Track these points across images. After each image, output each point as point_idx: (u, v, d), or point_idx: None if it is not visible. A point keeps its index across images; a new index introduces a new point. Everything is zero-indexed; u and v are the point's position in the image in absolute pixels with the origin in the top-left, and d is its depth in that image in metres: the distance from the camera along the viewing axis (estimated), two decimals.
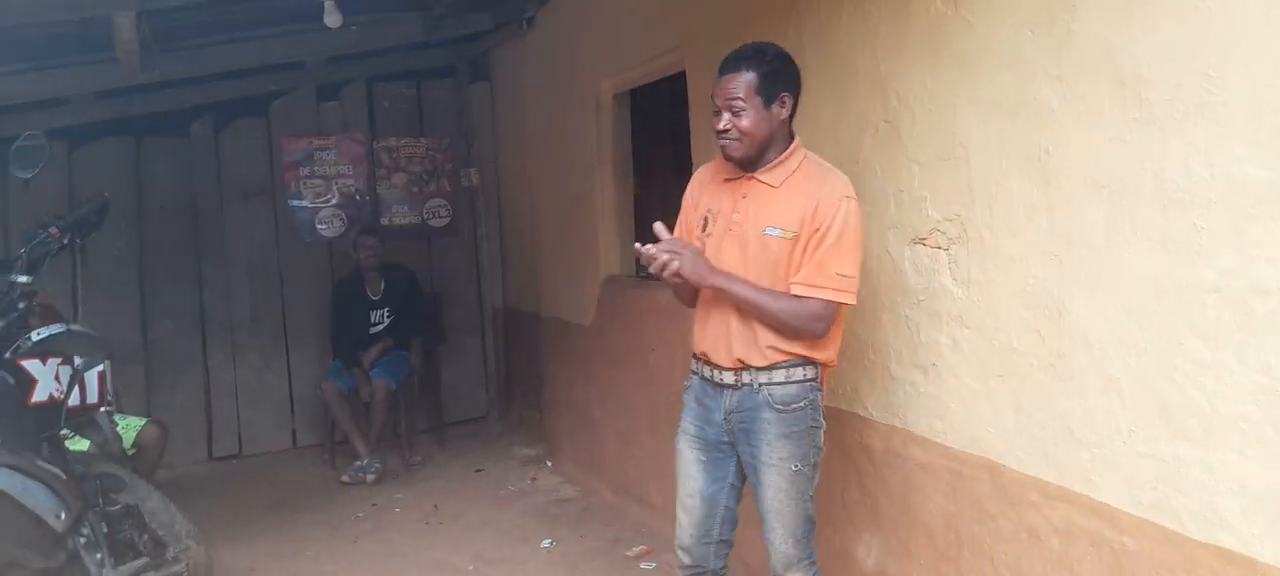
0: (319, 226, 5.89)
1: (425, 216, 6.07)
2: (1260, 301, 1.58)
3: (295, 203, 5.85)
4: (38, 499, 2.62)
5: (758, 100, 2.21)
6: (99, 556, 2.81)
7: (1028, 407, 2.09)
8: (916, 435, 2.46)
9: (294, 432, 5.95)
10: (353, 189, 5.92)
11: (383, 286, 5.46)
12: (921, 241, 2.37)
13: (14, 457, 2.63)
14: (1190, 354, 1.70)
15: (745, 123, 2.21)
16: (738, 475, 2.38)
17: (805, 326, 2.20)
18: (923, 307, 2.39)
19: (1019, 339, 2.10)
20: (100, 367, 3.23)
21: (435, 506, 4.64)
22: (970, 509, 2.28)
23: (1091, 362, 1.92)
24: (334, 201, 5.88)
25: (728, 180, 2.35)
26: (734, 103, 2.21)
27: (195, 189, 5.72)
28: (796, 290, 2.18)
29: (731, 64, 2.24)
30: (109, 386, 3.28)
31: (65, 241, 3.17)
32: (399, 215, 6.02)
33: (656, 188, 4.87)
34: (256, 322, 5.84)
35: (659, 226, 2.29)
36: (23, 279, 3.02)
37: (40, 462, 2.69)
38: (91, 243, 3.64)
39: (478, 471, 5.21)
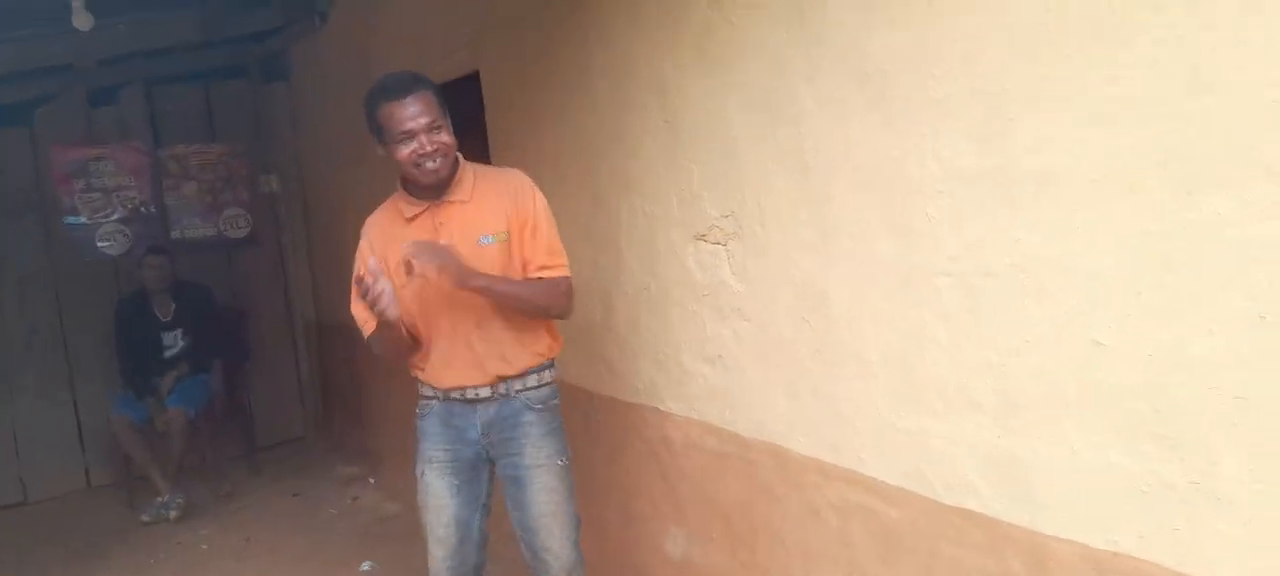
0: (100, 244, 5.39)
1: (222, 227, 5.67)
2: (985, 282, 1.70)
3: (71, 219, 5.33)
4: None
5: (444, 116, 2.20)
6: None
7: (802, 392, 2.19)
8: (711, 425, 2.53)
9: (87, 471, 5.48)
10: (137, 202, 5.45)
11: (174, 306, 5.07)
12: (702, 238, 2.43)
13: None
14: (929, 333, 1.82)
15: (447, 137, 2.20)
16: (489, 494, 2.38)
17: (559, 304, 2.29)
18: (707, 302, 2.45)
19: (790, 327, 2.18)
20: None
21: (247, 539, 4.38)
22: (761, 493, 2.37)
23: (851, 346, 2.02)
24: (116, 216, 5.41)
25: (411, 219, 2.28)
26: (432, 122, 2.17)
27: None
28: (541, 274, 2.26)
29: (406, 86, 2.17)
30: None
31: None
32: (191, 228, 5.59)
33: None
34: (31, 351, 5.32)
35: (372, 261, 2.13)
36: None
37: None
38: None
39: (294, 496, 4.95)
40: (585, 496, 2.51)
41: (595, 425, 3.01)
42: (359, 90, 4.70)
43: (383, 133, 2.19)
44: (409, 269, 2.22)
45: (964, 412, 1.78)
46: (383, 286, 2.09)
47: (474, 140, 3.69)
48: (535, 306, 2.27)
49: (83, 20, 3.11)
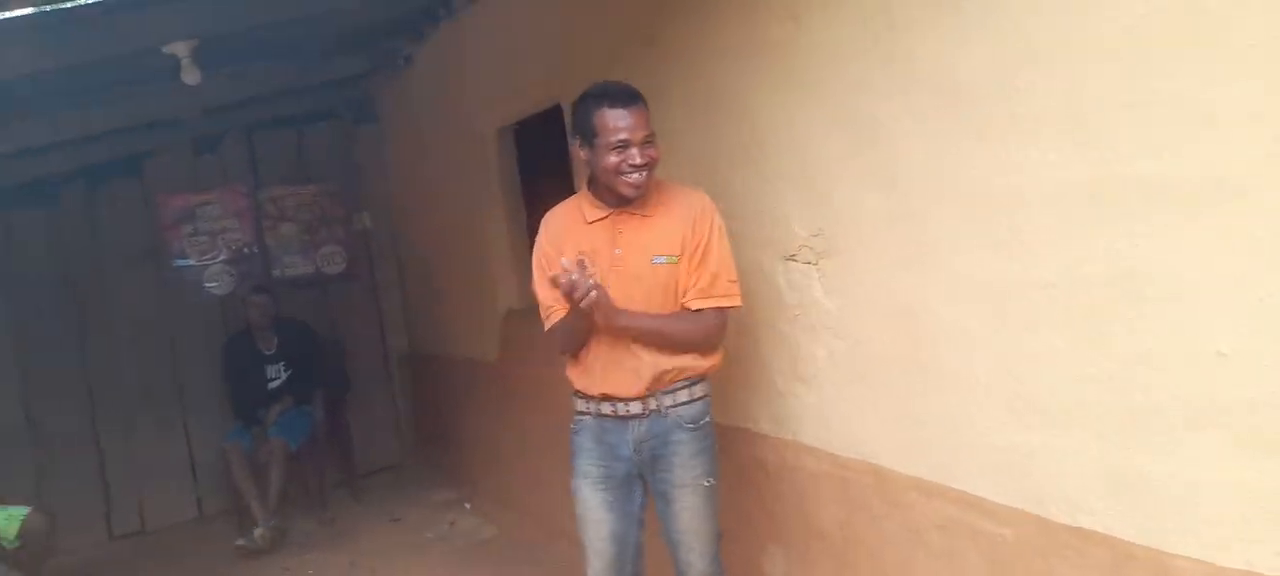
0: (208, 284, 5.69)
1: (319, 264, 5.92)
2: (1095, 294, 1.66)
3: (181, 262, 5.64)
4: None
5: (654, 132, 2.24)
6: None
7: (899, 410, 2.16)
8: (806, 445, 2.52)
9: (199, 501, 5.73)
10: (240, 243, 5.74)
11: (276, 341, 5.30)
12: (792, 258, 2.43)
13: None
14: (1037, 348, 1.79)
15: (657, 153, 2.24)
16: (642, 508, 2.39)
17: (707, 338, 2.29)
18: (799, 322, 2.45)
19: (886, 345, 2.17)
20: None
21: (351, 563, 4.52)
22: (860, 513, 2.35)
23: (952, 363, 2.00)
24: (222, 258, 5.69)
25: (593, 221, 2.32)
26: (648, 136, 2.21)
27: (70, 258, 5.47)
28: (693, 305, 2.25)
29: (631, 97, 2.23)
30: None
31: None
32: (291, 266, 5.85)
33: None
34: (149, 391, 5.61)
35: (566, 260, 2.19)
36: None
37: None
38: None
39: (395, 520, 5.09)
40: None
41: None
42: (440, 130, 4.91)
43: (594, 135, 2.22)
44: (582, 267, 2.23)
45: (1078, 428, 1.73)
46: (588, 282, 2.11)
47: (556, 173, 3.78)
48: (682, 342, 2.26)
49: (191, 76, 3.29)
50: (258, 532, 4.80)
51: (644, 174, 2.22)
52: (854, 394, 2.31)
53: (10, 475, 4.79)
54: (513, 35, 3.96)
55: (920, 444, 2.12)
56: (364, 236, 6.06)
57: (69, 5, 3.40)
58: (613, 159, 2.20)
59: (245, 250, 5.74)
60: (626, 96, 2.23)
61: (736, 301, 2.30)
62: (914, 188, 2.03)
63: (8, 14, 2.96)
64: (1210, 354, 1.49)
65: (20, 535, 3.79)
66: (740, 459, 2.73)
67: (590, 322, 2.24)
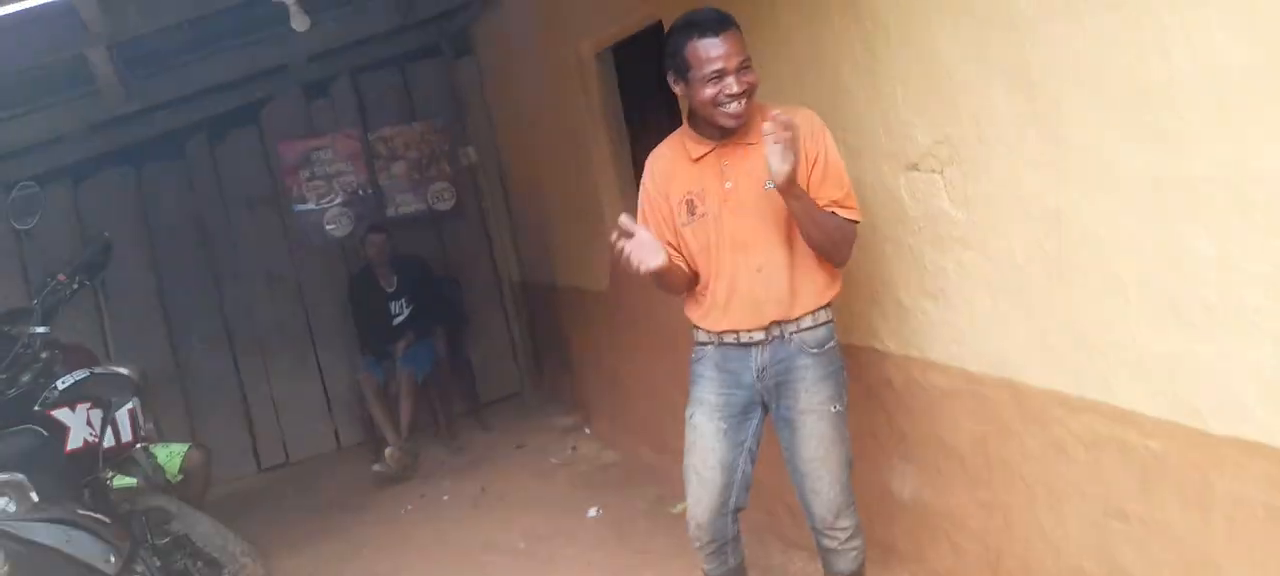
0: (328, 226, 5.90)
1: (430, 201, 6.06)
2: (1257, 188, 1.52)
3: (300, 207, 5.86)
4: (85, 547, 2.68)
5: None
6: None
7: (1039, 321, 2.05)
8: (935, 362, 2.44)
9: (336, 432, 6.05)
10: (355, 185, 5.92)
11: (396, 278, 5.49)
12: (914, 167, 2.32)
13: (57, 509, 2.69)
14: (1193, 247, 1.65)
15: (755, 77, 2.15)
16: (757, 439, 2.35)
17: (845, 245, 2.22)
18: (924, 234, 2.34)
19: (1022, 253, 2.05)
20: (130, 405, 3.28)
21: (482, 488, 4.70)
22: (996, 429, 2.26)
23: (1096, 267, 1.87)
24: (339, 200, 5.89)
25: (697, 160, 2.25)
26: (743, 61, 2.12)
27: (200, 207, 5.77)
28: (834, 210, 2.17)
29: (721, 22, 2.12)
30: (140, 422, 3.34)
31: (75, 286, 3.19)
32: (404, 204, 6.01)
33: (654, 142, 4.79)
34: (282, 330, 5.91)
35: (624, 219, 2.16)
36: (40, 329, 3.06)
37: (82, 510, 2.75)
38: (109, 277, 3.68)
39: (519, 447, 5.26)
40: None
41: None
42: (538, 58, 4.87)
43: (688, 69, 2.14)
44: (691, 208, 2.22)
45: (1239, 333, 1.60)
46: (629, 245, 2.11)
47: (661, 94, 3.70)
48: (831, 240, 2.17)
49: (300, 21, 3.36)
50: (388, 453, 5.04)
51: (742, 103, 2.13)
52: (987, 306, 2.20)
53: (164, 414, 5.14)
54: None
55: (1062, 355, 2.01)
56: (471, 170, 6.14)
57: None
58: (709, 91, 2.12)
59: (360, 192, 5.92)
60: (717, 23, 2.12)
61: (859, 216, 2.22)
62: (1050, 82, 1.88)
63: None
64: None
65: (182, 469, 4.07)
66: (866, 378, 2.67)
67: (669, 277, 2.21)
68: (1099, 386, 1.94)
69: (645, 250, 2.14)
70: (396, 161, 5.97)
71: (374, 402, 5.24)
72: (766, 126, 2.00)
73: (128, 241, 5.20)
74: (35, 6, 3.37)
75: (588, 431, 5.22)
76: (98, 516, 2.78)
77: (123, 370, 3.39)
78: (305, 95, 5.87)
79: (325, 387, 6.01)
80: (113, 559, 2.73)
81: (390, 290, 5.48)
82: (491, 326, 6.31)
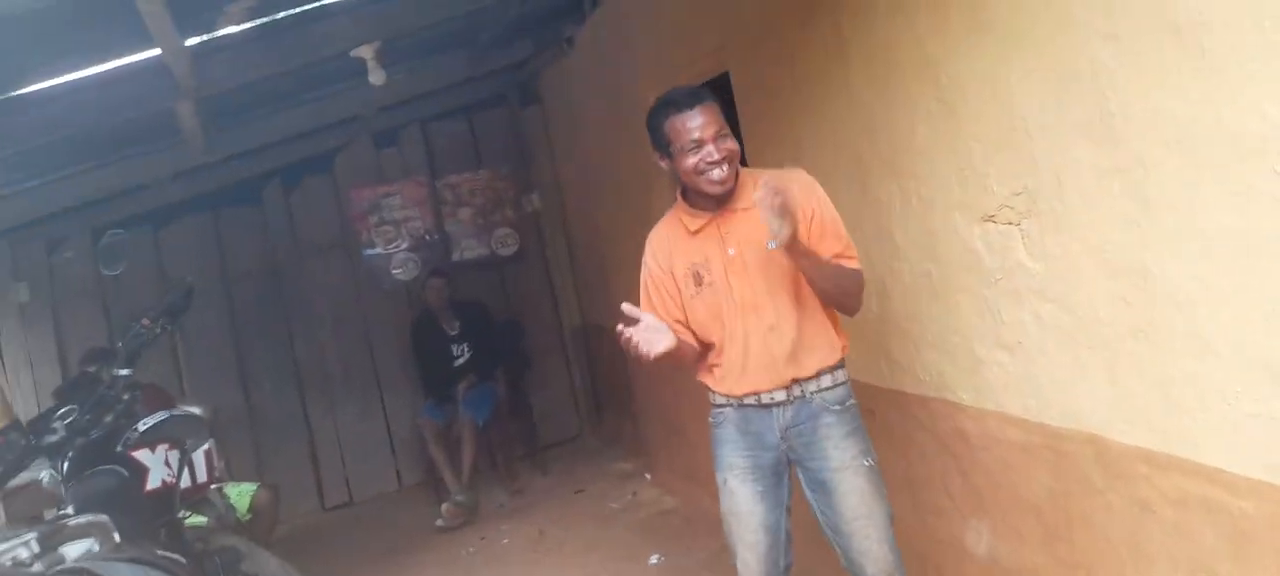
0: (395, 271, 6.04)
1: (494, 247, 6.17)
2: None
3: (369, 251, 6.01)
4: None
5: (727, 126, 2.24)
6: None
7: (1123, 377, 2.01)
8: (1012, 416, 2.39)
9: (398, 474, 6.13)
10: (422, 230, 6.06)
11: (458, 322, 5.57)
12: (991, 218, 2.29)
13: (137, 550, 2.76)
14: None
15: (733, 144, 2.24)
16: (790, 495, 2.36)
17: (855, 293, 2.30)
18: (1000, 286, 2.31)
19: (1105, 308, 2.01)
20: (206, 446, 3.37)
21: (541, 532, 4.71)
22: (1077, 486, 2.20)
23: (1184, 323, 1.83)
24: (406, 245, 6.03)
25: (696, 232, 2.30)
26: (720, 130, 2.21)
27: (274, 251, 5.95)
28: (840, 262, 2.26)
29: (695, 98, 2.23)
30: (216, 463, 3.42)
31: (158, 330, 3.30)
32: (469, 249, 6.13)
33: None
34: (349, 373, 6.04)
35: (625, 307, 2.21)
36: (124, 372, 3.16)
37: (160, 551, 2.82)
38: (187, 318, 3.81)
39: (578, 492, 5.26)
40: None
41: (878, 419, 2.93)
42: (604, 108, 4.95)
43: (670, 145, 2.25)
44: (698, 279, 2.28)
45: None
46: (635, 332, 2.15)
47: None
48: (841, 289, 2.25)
49: (377, 76, 3.48)
50: (445, 507, 5.07)
51: (725, 168, 2.21)
52: (1067, 360, 2.16)
53: (234, 454, 5.27)
54: (678, 5, 3.94)
55: (1148, 412, 1.96)
56: (534, 216, 6.25)
57: (264, 21, 3.66)
58: (691, 160, 2.21)
59: (427, 237, 6.06)
60: (690, 98, 2.23)
61: (859, 266, 2.30)
62: (1132, 136, 1.85)
63: (218, 33, 3.22)
64: None
65: (251, 508, 4.17)
66: (938, 430, 2.63)
67: (676, 356, 2.26)
68: (1187, 444, 1.89)
69: (652, 335, 2.18)
70: (462, 207, 6.10)
71: (434, 447, 5.30)
72: (757, 195, 2.06)
73: (204, 285, 5.37)
74: (131, 63, 3.55)
75: (648, 477, 5.20)
76: (174, 557, 2.84)
77: (197, 410, 3.49)
78: (375, 143, 6.05)
79: (389, 429, 6.11)
80: None
81: (452, 333, 5.57)
82: (552, 370, 6.36)
